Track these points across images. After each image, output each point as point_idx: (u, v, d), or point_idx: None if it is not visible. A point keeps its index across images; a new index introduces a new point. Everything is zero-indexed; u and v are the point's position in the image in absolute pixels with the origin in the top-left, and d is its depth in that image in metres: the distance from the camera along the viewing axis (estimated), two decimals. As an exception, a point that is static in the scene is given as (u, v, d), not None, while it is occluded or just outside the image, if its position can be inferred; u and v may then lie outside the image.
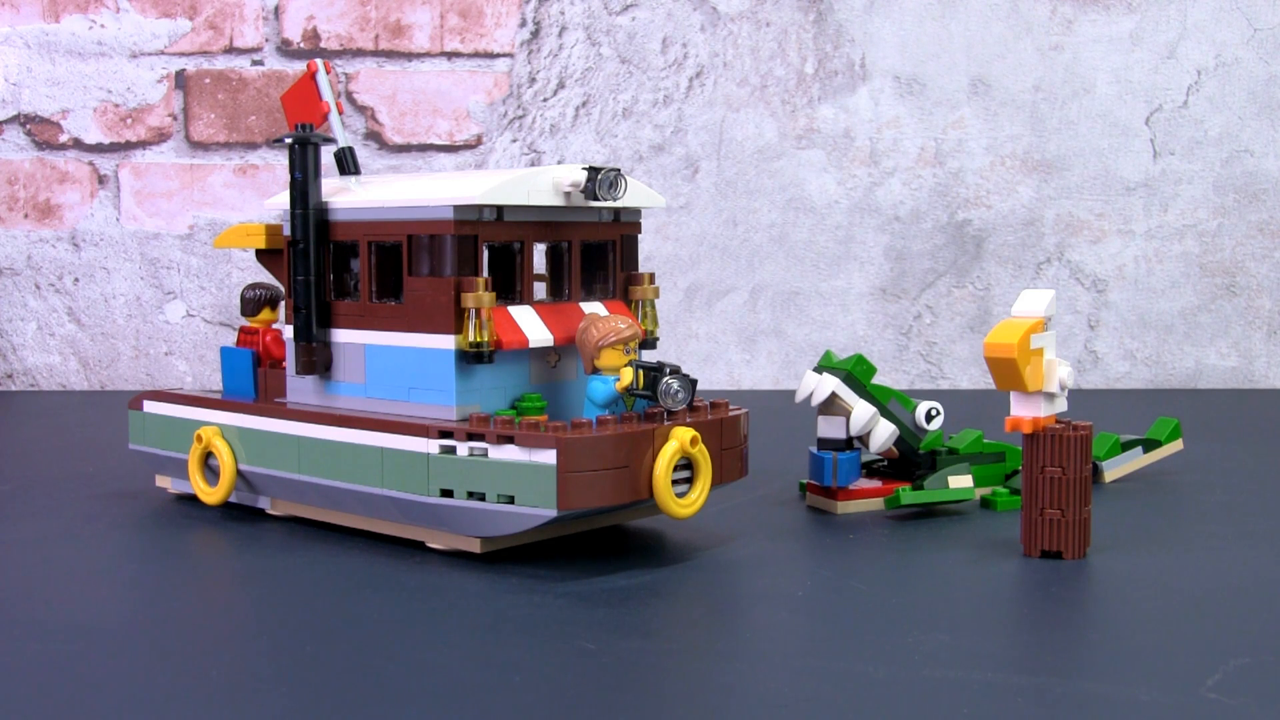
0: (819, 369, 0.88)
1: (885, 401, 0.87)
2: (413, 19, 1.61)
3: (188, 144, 1.62)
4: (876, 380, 0.87)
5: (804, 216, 1.62)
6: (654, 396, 0.72)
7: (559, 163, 1.59)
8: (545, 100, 1.62)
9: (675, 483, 0.73)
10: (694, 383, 0.73)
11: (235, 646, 0.61)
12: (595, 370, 0.75)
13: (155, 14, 1.61)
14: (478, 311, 0.73)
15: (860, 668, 0.56)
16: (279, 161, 1.62)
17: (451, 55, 1.62)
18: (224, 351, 0.90)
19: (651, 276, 0.84)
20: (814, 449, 0.87)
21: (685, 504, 0.73)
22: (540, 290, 0.83)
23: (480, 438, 0.71)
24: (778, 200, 1.62)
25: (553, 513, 0.69)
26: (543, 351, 0.78)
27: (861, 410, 0.85)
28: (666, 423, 0.73)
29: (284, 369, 0.85)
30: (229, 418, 0.85)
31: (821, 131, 1.61)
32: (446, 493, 0.73)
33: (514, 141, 1.62)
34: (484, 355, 0.74)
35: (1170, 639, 0.60)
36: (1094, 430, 0.77)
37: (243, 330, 0.90)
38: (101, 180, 1.63)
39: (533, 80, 1.61)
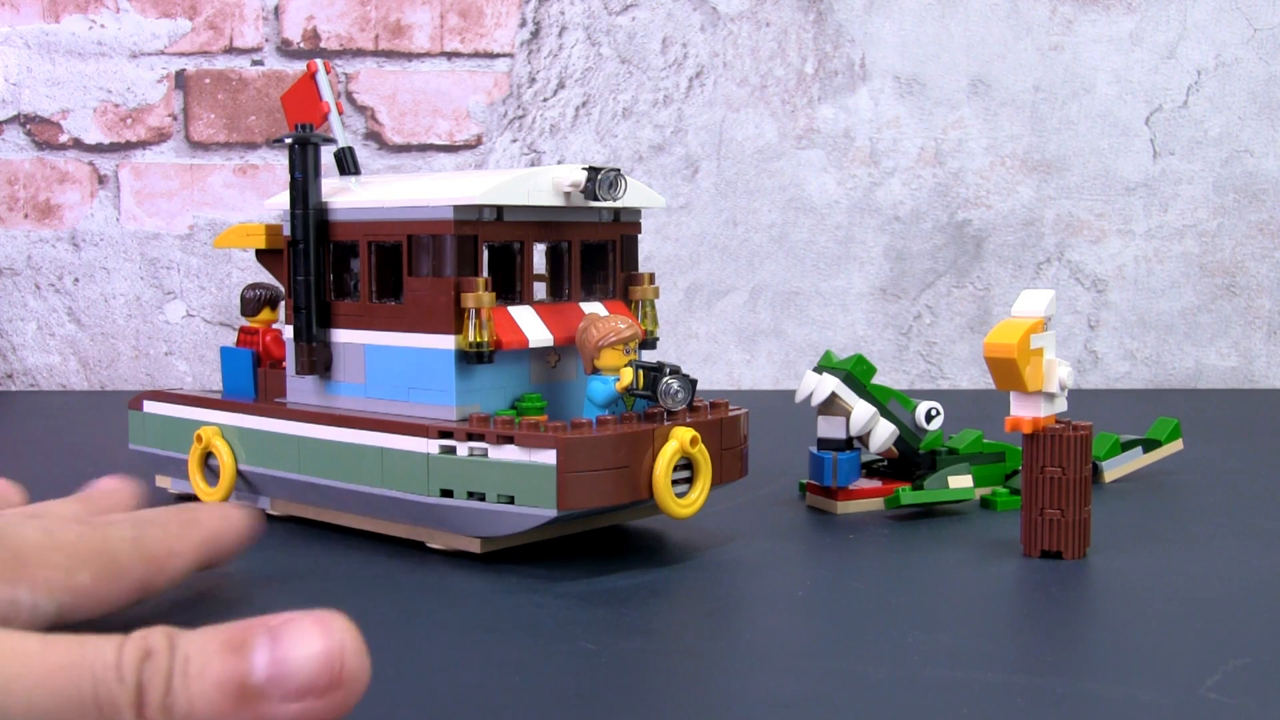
0: (819, 369, 0.88)
1: (885, 401, 0.87)
2: (413, 19, 1.61)
3: (188, 144, 1.62)
4: (876, 380, 0.87)
5: (804, 216, 1.62)
6: (654, 396, 0.72)
7: (559, 163, 1.59)
8: (545, 100, 1.62)
9: (675, 483, 0.73)
10: (694, 383, 0.73)
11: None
12: (595, 370, 0.75)
13: (155, 14, 1.61)
14: (478, 311, 0.73)
15: (860, 668, 0.56)
16: (279, 161, 1.62)
17: (451, 55, 1.62)
18: (224, 351, 0.90)
19: (651, 276, 0.84)
20: (814, 449, 0.87)
21: (685, 504, 0.73)
22: (540, 290, 0.82)
23: (480, 438, 0.71)
24: (778, 200, 1.62)
25: (553, 513, 0.69)
26: (543, 351, 0.78)
27: (861, 410, 0.85)
28: (666, 423, 0.73)
29: (284, 369, 0.85)
30: (229, 418, 0.85)
31: (821, 131, 1.61)
32: (446, 493, 0.73)
33: (514, 141, 1.62)
34: (484, 355, 0.74)
35: (1170, 639, 0.60)
36: (1094, 430, 0.77)
37: (243, 330, 0.90)
38: (101, 180, 1.63)
39: (533, 80, 1.61)
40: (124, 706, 0.40)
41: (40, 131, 1.62)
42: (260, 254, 0.88)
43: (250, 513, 0.67)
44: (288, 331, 0.81)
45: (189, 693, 0.41)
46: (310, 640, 0.42)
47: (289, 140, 0.79)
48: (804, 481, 0.92)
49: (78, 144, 1.62)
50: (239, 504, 0.68)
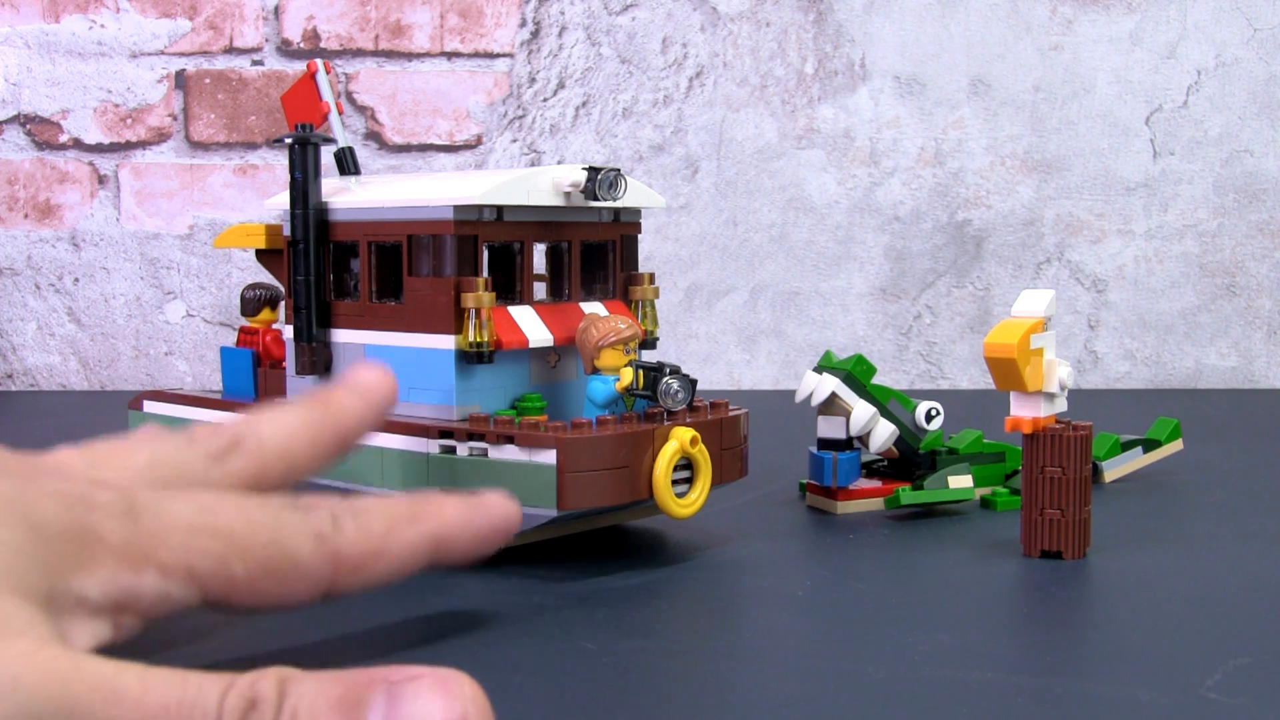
0: (819, 369, 0.88)
1: (885, 401, 0.87)
2: (413, 19, 1.61)
3: (188, 144, 1.62)
4: (876, 380, 0.87)
5: (804, 216, 1.62)
6: (654, 396, 0.72)
7: (559, 163, 1.59)
8: (545, 100, 1.62)
9: (675, 483, 0.73)
10: (694, 383, 0.73)
11: (234, 647, 0.61)
12: (595, 370, 0.75)
13: (155, 14, 1.61)
14: (478, 311, 0.73)
15: (860, 668, 0.56)
16: (279, 161, 1.62)
17: (451, 55, 1.62)
18: (224, 351, 0.90)
19: (651, 276, 0.84)
20: (814, 449, 0.87)
21: (685, 504, 0.73)
22: (540, 290, 0.83)
23: (480, 438, 0.71)
24: (778, 200, 1.62)
25: (553, 513, 0.69)
26: (543, 351, 0.78)
27: (861, 410, 0.85)
28: (666, 423, 0.73)
29: (284, 369, 0.85)
30: (229, 418, 0.85)
31: (821, 131, 1.61)
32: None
33: (514, 141, 1.62)
34: (484, 355, 0.74)
35: (1170, 639, 0.60)
36: (1094, 430, 0.77)
37: (243, 330, 0.90)
38: (101, 180, 1.63)
39: (533, 80, 1.61)
40: None
41: (40, 131, 1.62)
42: (260, 254, 0.88)
43: (506, 503, 0.59)
44: (288, 331, 0.81)
45: None
46: (431, 705, 0.39)
47: (289, 140, 0.79)
48: (804, 481, 0.92)
49: (78, 144, 1.62)
50: (495, 493, 0.60)
